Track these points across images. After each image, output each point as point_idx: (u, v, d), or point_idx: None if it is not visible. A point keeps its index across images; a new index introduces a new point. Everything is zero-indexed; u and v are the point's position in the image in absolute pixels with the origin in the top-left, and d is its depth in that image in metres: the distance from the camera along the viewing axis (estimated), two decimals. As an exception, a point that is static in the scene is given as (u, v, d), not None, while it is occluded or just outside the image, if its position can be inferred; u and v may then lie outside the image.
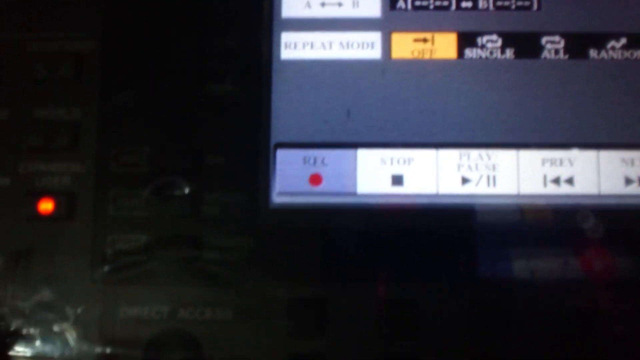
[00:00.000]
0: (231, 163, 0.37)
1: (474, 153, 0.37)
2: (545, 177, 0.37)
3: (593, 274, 0.36)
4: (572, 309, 0.35)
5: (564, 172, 0.37)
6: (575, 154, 0.37)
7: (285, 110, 0.38)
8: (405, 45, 0.38)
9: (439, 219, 0.37)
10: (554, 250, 0.36)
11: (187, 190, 0.36)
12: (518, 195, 0.37)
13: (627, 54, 0.38)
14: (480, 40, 0.38)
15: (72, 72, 0.37)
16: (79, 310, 0.36)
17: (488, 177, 0.37)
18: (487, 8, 0.38)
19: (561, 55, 0.38)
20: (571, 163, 0.37)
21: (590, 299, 0.35)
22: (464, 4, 0.38)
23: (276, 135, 0.38)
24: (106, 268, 0.36)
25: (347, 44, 0.38)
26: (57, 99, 0.37)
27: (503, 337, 0.35)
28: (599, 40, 0.38)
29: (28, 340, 0.36)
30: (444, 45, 0.38)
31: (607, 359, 0.35)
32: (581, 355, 0.35)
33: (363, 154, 0.38)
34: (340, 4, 0.38)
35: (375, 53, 0.38)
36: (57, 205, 0.36)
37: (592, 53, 0.38)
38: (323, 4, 0.39)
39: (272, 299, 0.36)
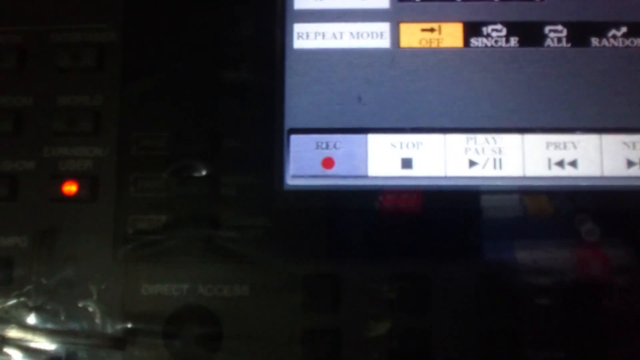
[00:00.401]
0: (247, 147, 0.39)
1: (481, 137, 0.40)
2: (549, 160, 0.40)
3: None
4: (575, 283, 0.37)
5: (567, 155, 0.40)
6: (578, 137, 0.40)
7: (298, 97, 0.41)
8: (413, 35, 0.41)
9: (447, 200, 0.39)
10: (557, 231, 0.39)
11: (204, 172, 0.39)
12: (523, 177, 0.40)
13: (627, 42, 0.41)
14: (485, 30, 0.41)
15: (94, 61, 0.40)
16: (102, 287, 0.38)
17: (494, 160, 0.40)
18: (492, -1, 0.41)
19: (564, 43, 0.41)
20: (575, 146, 0.40)
21: (591, 277, 0.38)
22: (469, -5, 0.41)
23: (290, 121, 0.40)
24: (128, 247, 0.38)
25: (357, 34, 0.41)
26: (79, 87, 0.40)
27: (510, 311, 0.37)
28: (600, 29, 0.41)
29: (52, 315, 0.38)
30: (451, 35, 0.41)
31: (609, 331, 0.37)
32: (585, 327, 0.37)
33: (373, 139, 0.40)
34: (350, -4, 0.41)
35: (385, 42, 0.41)
36: (81, 187, 0.39)
37: (594, 41, 0.41)
38: (334, -4, 0.42)
39: (287, 276, 0.38)
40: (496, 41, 0.40)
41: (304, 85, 0.40)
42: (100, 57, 0.40)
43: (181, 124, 0.39)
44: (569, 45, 0.40)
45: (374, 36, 0.40)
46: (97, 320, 0.38)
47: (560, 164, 0.39)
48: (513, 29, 0.40)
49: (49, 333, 0.37)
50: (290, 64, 0.40)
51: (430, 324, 0.37)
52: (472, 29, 0.40)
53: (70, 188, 0.38)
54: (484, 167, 0.39)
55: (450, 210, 0.38)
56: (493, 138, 0.39)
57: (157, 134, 0.39)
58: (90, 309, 0.37)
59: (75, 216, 0.39)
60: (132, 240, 0.38)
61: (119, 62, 0.40)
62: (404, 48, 0.40)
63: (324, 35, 0.40)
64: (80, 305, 0.38)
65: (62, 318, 0.38)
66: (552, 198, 0.38)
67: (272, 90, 0.40)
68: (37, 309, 0.38)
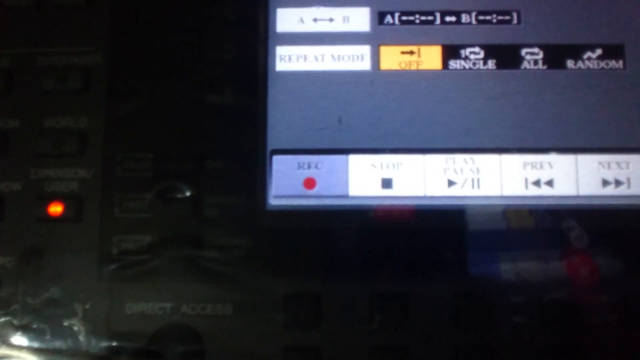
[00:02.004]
0: (230, 168, 0.41)
1: (459, 157, 0.42)
2: (526, 180, 0.42)
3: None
4: (554, 301, 0.39)
5: (544, 175, 0.42)
6: (554, 157, 0.42)
7: (281, 119, 0.42)
8: (393, 57, 0.43)
9: (426, 219, 0.41)
10: (537, 249, 0.41)
11: (188, 193, 0.41)
12: (501, 197, 0.42)
13: (602, 63, 0.43)
14: (463, 52, 0.43)
15: (79, 84, 0.42)
16: (87, 306, 0.40)
17: (473, 180, 0.42)
18: (470, 22, 0.43)
19: (540, 65, 0.43)
20: (551, 166, 0.42)
21: (571, 293, 0.40)
22: (447, 19, 0.43)
23: (272, 142, 0.42)
24: (112, 266, 0.40)
25: (339, 56, 0.43)
26: (65, 109, 0.42)
27: (488, 328, 0.39)
28: (576, 51, 0.43)
29: (38, 334, 0.40)
30: (430, 57, 0.43)
31: (586, 347, 0.39)
32: (563, 343, 0.39)
33: (354, 159, 0.42)
34: (331, 20, 0.43)
35: (365, 65, 0.43)
36: (66, 208, 0.40)
37: (570, 63, 0.43)
38: (315, 20, 0.44)
39: (269, 295, 0.40)
40: (474, 63, 0.42)
41: (286, 107, 0.42)
42: (86, 80, 0.41)
43: (165, 145, 0.41)
44: (545, 67, 0.42)
45: (354, 59, 0.42)
46: (82, 339, 0.39)
47: (537, 183, 0.41)
48: (490, 51, 0.42)
49: (35, 352, 0.38)
50: (272, 86, 0.42)
51: (409, 341, 0.38)
52: (450, 52, 0.42)
53: (56, 209, 0.40)
54: (462, 186, 0.41)
55: (429, 229, 0.40)
56: (471, 158, 0.41)
57: (141, 155, 0.40)
58: (75, 328, 0.39)
59: (61, 236, 0.40)
60: (117, 260, 0.40)
61: (104, 85, 0.42)
62: (384, 70, 0.42)
63: (305, 58, 0.42)
64: (65, 324, 0.39)
65: (48, 337, 0.39)
66: (532, 212, 0.40)
67: (255, 111, 0.41)
68: (23, 328, 0.39)
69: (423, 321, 0.39)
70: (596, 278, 0.39)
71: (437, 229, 0.40)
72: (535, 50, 0.42)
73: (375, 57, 0.42)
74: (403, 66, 0.42)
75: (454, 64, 0.42)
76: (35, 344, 0.40)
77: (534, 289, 0.39)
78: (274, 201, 0.41)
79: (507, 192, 0.41)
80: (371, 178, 0.41)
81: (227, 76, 0.42)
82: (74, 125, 0.41)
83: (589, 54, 0.42)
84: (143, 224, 0.40)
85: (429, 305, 0.39)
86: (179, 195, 0.40)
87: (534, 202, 0.41)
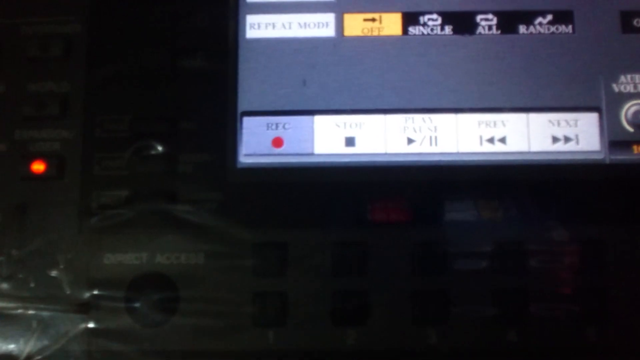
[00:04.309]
0: (202, 128, 0.44)
1: (418, 117, 0.46)
2: (481, 137, 0.45)
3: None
4: (503, 247, 0.43)
5: (497, 133, 0.45)
6: (507, 116, 0.46)
7: (251, 83, 0.46)
8: (356, 24, 0.47)
9: (387, 174, 0.45)
10: (491, 199, 0.44)
11: (163, 151, 0.44)
12: (457, 153, 0.45)
13: (552, 28, 0.46)
14: (422, 19, 0.46)
15: (61, 51, 0.45)
16: (68, 257, 0.43)
17: (431, 138, 0.46)
18: (428, -10, 0.46)
19: (494, 31, 0.46)
20: (504, 124, 0.45)
21: (518, 240, 0.43)
22: (407, -13, 0.47)
23: (242, 105, 0.46)
24: (92, 220, 0.44)
25: (305, 24, 0.47)
26: (48, 75, 0.45)
27: (442, 273, 0.43)
28: (528, 17, 0.46)
29: (23, 283, 0.43)
30: (390, 24, 0.47)
31: (533, 288, 0.43)
32: (511, 286, 0.43)
33: (319, 120, 0.46)
34: (298, -11, 0.47)
35: (330, 31, 0.46)
36: (49, 167, 0.44)
37: (522, 29, 0.46)
38: (283, -10, 0.47)
39: (239, 244, 0.43)
40: (432, 29, 0.46)
41: (256, 72, 0.45)
42: (67, 47, 0.45)
43: (142, 107, 0.44)
44: (499, 32, 0.45)
45: (320, 26, 0.46)
46: (64, 287, 0.42)
47: (491, 140, 0.45)
48: (447, 18, 0.46)
49: (19, 299, 0.42)
50: (243, 52, 0.45)
51: (368, 286, 0.42)
52: (410, 19, 0.46)
53: (39, 167, 0.43)
54: (421, 144, 0.45)
55: (389, 183, 0.43)
56: (429, 117, 0.45)
57: (119, 117, 0.44)
58: (58, 277, 0.42)
59: (44, 193, 0.44)
60: (96, 214, 0.43)
61: (84, 52, 0.45)
62: (347, 36, 0.46)
63: (274, 26, 0.46)
64: (48, 273, 0.42)
65: (32, 286, 0.43)
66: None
67: (226, 76, 0.45)
68: (9, 278, 0.43)
69: (381, 267, 0.42)
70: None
71: (396, 184, 0.43)
72: (490, 16, 0.46)
73: (339, 24, 0.46)
74: (365, 32, 0.45)
75: (413, 30, 0.45)
76: (20, 293, 0.43)
77: (487, 236, 0.42)
78: (244, 159, 0.44)
79: (463, 148, 0.44)
80: (335, 137, 0.45)
81: (201, 43, 0.45)
82: (56, 90, 0.45)
83: (540, 19, 0.46)
84: (121, 180, 0.43)
85: (387, 254, 0.42)
86: (154, 153, 0.43)
87: (488, 157, 0.44)
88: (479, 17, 0.45)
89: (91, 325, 0.42)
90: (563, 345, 0.42)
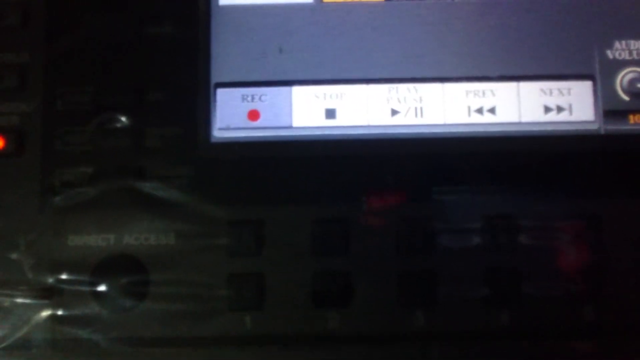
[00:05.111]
0: (172, 100, 0.41)
1: (402, 87, 0.43)
2: (469, 108, 0.43)
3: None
4: (494, 224, 0.40)
5: (486, 103, 0.43)
6: (496, 85, 0.43)
7: (224, 52, 0.43)
8: (335, -11, 0.44)
9: (370, 147, 0.42)
10: (472, 172, 0.41)
11: (129, 125, 0.41)
12: (444, 125, 0.43)
13: (544, -7, 0.43)
14: (404, -18, 0.44)
15: (19, 20, 0.42)
16: (29, 239, 0.40)
17: (416, 109, 0.43)
18: (411, -46, 0.44)
19: (481, -5, 0.43)
20: (493, 94, 0.43)
21: (510, 215, 0.41)
22: (389, -51, 0.44)
23: (216, 75, 0.43)
24: (54, 199, 0.41)
25: (281, -11, 0.44)
26: (5, 45, 0.42)
27: (430, 252, 0.40)
28: (516, -18, 0.43)
29: (-20, 268, 0.40)
30: (372, -11, 0.44)
31: (526, 266, 0.40)
32: (503, 264, 0.40)
33: (297, 91, 0.43)
34: (273, -46, 0.44)
35: (308, -3, 0.44)
36: (7, 142, 0.41)
37: (510, -7, 0.43)
38: (258, -46, 0.44)
39: (212, 222, 0.40)
40: (415, -7, 0.43)
41: (229, 40, 0.42)
42: (25, 15, 0.42)
43: (105, 78, 0.41)
44: (487, -3, 0.42)
45: (297, -9, 0.43)
46: (25, 272, 0.39)
47: (480, 111, 0.42)
48: (431, -18, 0.43)
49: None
50: (215, 19, 0.43)
51: (351, 266, 0.39)
52: (392, -18, 0.43)
53: (-3, 143, 0.40)
54: (405, 115, 0.42)
55: (370, 157, 0.41)
56: (414, 87, 0.42)
57: (82, 89, 0.41)
58: (18, 261, 0.39)
59: (3, 170, 0.41)
60: (59, 193, 0.40)
61: (43, 20, 0.42)
62: (326, 2, 0.43)
63: (248, -9, 0.43)
64: (8, 257, 0.39)
65: (-10, 270, 0.39)
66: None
67: (198, 44, 0.42)
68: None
69: (364, 246, 0.39)
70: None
71: (378, 158, 0.40)
72: (478, -20, 0.42)
73: (318, -10, 0.42)
74: (345, -2, 0.42)
75: (395, -6, 0.42)
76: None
77: (476, 212, 0.39)
78: (218, 133, 0.41)
79: (450, 120, 0.42)
80: (315, 109, 0.42)
81: (169, 9, 0.42)
82: (14, 60, 0.42)
83: (530, -17, 0.42)
84: (84, 156, 0.41)
85: (370, 231, 0.39)
86: (119, 127, 0.40)
87: (476, 129, 0.41)
88: (466, -19, 0.42)
89: (55, 311, 0.40)
90: (559, 326, 0.39)
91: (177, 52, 0.42)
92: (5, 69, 0.41)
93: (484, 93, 0.42)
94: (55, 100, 0.41)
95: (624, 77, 0.42)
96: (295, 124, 0.42)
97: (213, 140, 0.41)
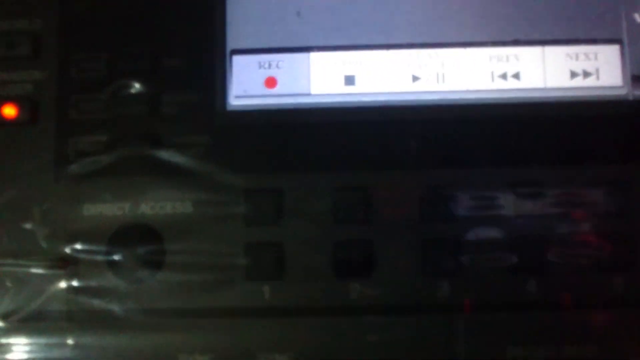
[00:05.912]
0: (188, 66, 0.41)
1: (424, 52, 0.42)
2: (492, 73, 0.42)
3: None
4: (520, 190, 0.39)
5: (510, 68, 0.42)
6: (521, 50, 0.42)
7: (240, 17, 0.42)
8: (356, -49, 0.42)
9: (390, 114, 0.41)
10: (496, 139, 0.40)
11: (144, 91, 0.40)
12: (466, 91, 0.41)
13: (569, -47, 0.42)
14: (425, -53, 0.42)
15: None
16: (44, 209, 0.39)
17: (437, 75, 0.42)
18: None
19: (506, -46, 0.42)
20: (517, 59, 0.42)
21: (536, 181, 0.39)
22: None
23: (232, 42, 0.42)
24: (69, 168, 0.40)
25: (299, -49, 0.42)
26: (18, 11, 0.41)
27: (454, 219, 0.39)
28: (542, -57, 0.42)
29: (-4, 237, 0.39)
30: (395, -50, 0.42)
31: (554, 235, 0.39)
32: (530, 232, 0.39)
33: (316, 57, 0.42)
34: None
35: (327, -42, 0.42)
36: (21, 110, 0.40)
37: (536, -46, 0.42)
38: None
39: (230, 191, 0.39)
40: (439, -43, 0.41)
41: (246, 5, 0.41)
42: None
43: (120, 44, 0.40)
44: (511, -45, 0.41)
45: (316, -47, 0.42)
46: (40, 242, 0.38)
47: (504, 76, 0.41)
48: (454, -56, 0.41)
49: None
50: (231, -15, 0.41)
51: (373, 234, 0.38)
52: (413, -55, 0.41)
53: (11, 111, 0.40)
54: (427, 81, 0.41)
55: (392, 123, 0.39)
56: (436, 53, 0.41)
57: (96, 55, 0.40)
58: (33, 231, 0.38)
59: (17, 139, 0.40)
60: (74, 162, 0.40)
61: None
62: (345, -35, 0.41)
63: (265, -44, 0.42)
64: (22, 227, 0.38)
65: (5, 240, 0.39)
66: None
67: (214, 10, 0.41)
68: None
69: (388, 215, 0.38)
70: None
71: (400, 124, 0.39)
72: (502, -59, 0.41)
73: (338, -49, 0.41)
74: (365, -39, 0.41)
75: (419, -43, 0.41)
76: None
77: (501, 178, 0.38)
78: (234, 101, 0.40)
79: (473, 86, 0.40)
80: (333, 75, 0.41)
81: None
82: (27, 28, 0.41)
83: (556, -56, 0.41)
84: (99, 124, 0.40)
85: (393, 198, 0.38)
86: (135, 93, 0.39)
87: (500, 95, 0.40)
88: (490, -57, 0.40)
89: (70, 282, 0.39)
90: (587, 297, 0.37)
91: (193, 18, 0.41)
92: (19, 36, 0.41)
93: (507, 58, 0.41)
94: (69, 67, 0.41)
95: (653, 40, 0.40)
96: (313, 91, 0.41)
97: (229, 108, 0.40)
